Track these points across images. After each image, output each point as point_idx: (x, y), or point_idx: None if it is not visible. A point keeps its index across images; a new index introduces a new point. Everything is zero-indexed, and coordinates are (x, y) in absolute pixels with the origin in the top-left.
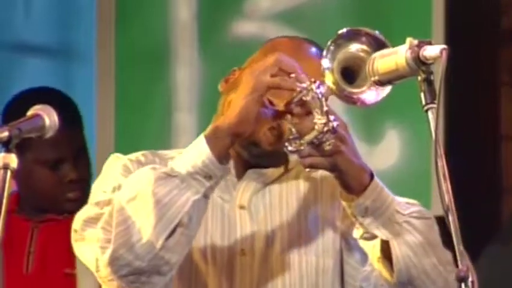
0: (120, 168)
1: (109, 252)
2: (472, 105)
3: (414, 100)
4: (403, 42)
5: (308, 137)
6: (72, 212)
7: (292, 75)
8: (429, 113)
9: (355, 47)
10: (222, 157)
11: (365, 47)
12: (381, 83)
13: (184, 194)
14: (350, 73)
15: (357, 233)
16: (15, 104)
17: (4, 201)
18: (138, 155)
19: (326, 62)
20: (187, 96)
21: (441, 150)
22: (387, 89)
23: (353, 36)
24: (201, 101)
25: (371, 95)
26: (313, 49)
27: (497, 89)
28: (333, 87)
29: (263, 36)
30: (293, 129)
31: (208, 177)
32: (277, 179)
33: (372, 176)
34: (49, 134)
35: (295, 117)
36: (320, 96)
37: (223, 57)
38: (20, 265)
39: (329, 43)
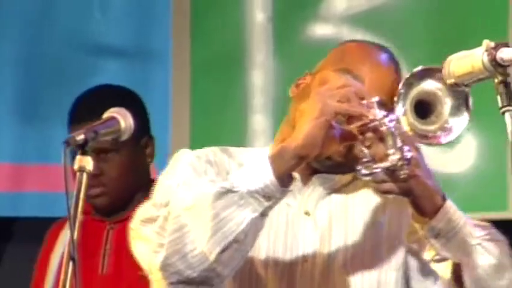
0: (187, 164)
1: (161, 257)
2: None
3: (490, 103)
4: (479, 44)
5: (382, 165)
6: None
7: (364, 101)
8: (506, 116)
9: (428, 84)
10: (284, 179)
11: (438, 83)
12: (457, 86)
13: (242, 212)
14: (423, 108)
15: (428, 254)
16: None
17: (80, 203)
18: (207, 151)
19: (399, 109)
20: (262, 98)
21: None
22: (462, 126)
23: (425, 74)
24: (276, 103)
25: (445, 135)
26: (384, 55)
27: None
28: (409, 130)
29: (339, 38)
30: (366, 152)
31: (267, 197)
32: (344, 186)
33: (444, 198)
34: (124, 137)
35: (367, 141)
36: (393, 130)
37: (298, 59)
38: (95, 266)
39: (400, 87)
